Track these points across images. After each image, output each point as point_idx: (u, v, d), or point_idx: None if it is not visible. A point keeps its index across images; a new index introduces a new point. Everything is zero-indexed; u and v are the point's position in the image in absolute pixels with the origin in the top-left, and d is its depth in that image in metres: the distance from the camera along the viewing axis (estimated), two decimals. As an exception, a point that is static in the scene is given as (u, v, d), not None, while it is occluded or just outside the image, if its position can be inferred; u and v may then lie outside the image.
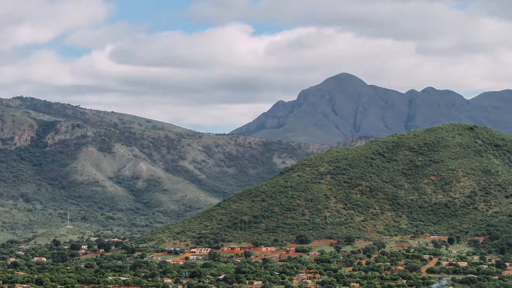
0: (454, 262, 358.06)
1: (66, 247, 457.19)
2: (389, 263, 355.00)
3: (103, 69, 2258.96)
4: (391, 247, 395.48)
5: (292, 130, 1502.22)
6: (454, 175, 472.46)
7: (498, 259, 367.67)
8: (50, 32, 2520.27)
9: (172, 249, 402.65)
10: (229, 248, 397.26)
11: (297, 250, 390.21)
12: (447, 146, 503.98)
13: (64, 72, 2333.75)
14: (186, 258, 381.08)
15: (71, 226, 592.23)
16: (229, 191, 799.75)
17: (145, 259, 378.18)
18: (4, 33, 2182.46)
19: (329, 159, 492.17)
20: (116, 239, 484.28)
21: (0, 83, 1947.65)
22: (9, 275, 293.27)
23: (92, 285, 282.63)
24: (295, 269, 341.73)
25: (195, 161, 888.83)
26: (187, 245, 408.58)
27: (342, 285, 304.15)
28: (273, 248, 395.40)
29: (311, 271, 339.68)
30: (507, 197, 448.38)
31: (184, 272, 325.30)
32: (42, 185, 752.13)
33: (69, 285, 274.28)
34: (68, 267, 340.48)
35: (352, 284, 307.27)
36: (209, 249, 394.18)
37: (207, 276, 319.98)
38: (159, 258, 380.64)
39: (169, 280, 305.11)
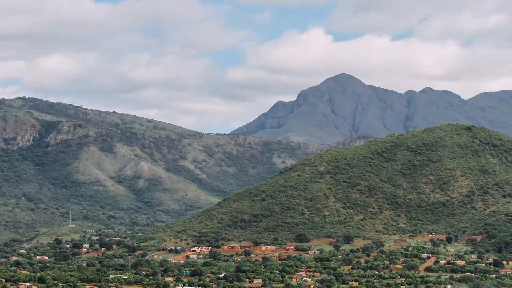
0: (452, 261, 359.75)
1: (68, 246, 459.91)
2: (387, 262, 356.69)
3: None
4: (389, 246, 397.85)
5: (291, 130, 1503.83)
6: (452, 175, 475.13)
7: (496, 257, 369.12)
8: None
9: (173, 247, 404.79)
10: (230, 247, 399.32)
11: (296, 249, 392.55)
12: (445, 146, 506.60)
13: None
14: (187, 256, 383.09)
15: (73, 225, 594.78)
16: (229, 190, 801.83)
17: (146, 257, 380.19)
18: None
19: (328, 159, 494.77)
20: (117, 238, 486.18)
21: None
22: (12, 273, 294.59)
23: (93, 284, 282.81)
24: (294, 267, 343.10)
25: (196, 161, 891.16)
26: (188, 244, 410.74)
27: (341, 284, 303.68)
28: (273, 247, 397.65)
29: (310, 269, 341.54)
30: (504, 196, 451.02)
31: (185, 270, 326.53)
32: (44, 184, 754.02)
33: (71, 284, 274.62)
34: (70, 266, 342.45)
35: (351, 282, 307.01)
36: (210, 247, 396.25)
37: (208, 274, 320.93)
38: (160, 257, 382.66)
39: (170, 279, 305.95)
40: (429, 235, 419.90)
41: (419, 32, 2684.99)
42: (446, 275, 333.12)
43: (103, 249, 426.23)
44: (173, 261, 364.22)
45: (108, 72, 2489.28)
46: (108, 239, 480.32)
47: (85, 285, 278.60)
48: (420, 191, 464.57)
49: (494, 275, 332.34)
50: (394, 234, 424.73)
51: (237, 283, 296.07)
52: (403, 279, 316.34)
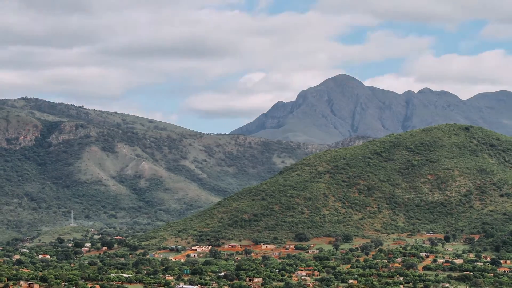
0: (450, 260, 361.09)
1: (70, 244, 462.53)
2: (386, 261, 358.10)
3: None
4: (388, 245, 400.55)
5: (291, 130, 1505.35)
6: (450, 174, 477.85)
7: (493, 256, 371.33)
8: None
9: (174, 246, 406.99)
10: (230, 246, 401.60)
11: (296, 248, 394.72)
12: (443, 146, 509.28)
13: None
14: (188, 255, 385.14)
15: (75, 224, 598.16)
16: (229, 190, 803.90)
17: (147, 256, 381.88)
18: None
19: (327, 159, 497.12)
20: (119, 237, 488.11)
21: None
22: (14, 272, 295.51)
23: (95, 282, 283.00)
24: (294, 266, 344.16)
25: (196, 161, 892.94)
26: (189, 243, 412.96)
27: (340, 282, 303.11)
28: (273, 246, 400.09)
29: (310, 268, 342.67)
30: (502, 196, 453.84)
31: (186, 269, 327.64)
32: (46, 184, 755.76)
33: (73, 282, 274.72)
34: (72, 265, 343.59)
35: (350, 281, 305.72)
36: (210, 246, 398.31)
37: (208, 273, 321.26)
38: (161, 256, 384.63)
39: (171, 277, 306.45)
40: (428, 234, 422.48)
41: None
42: (444, 273, 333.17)
43: (104, 248, 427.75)
44: (174, 260, 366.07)
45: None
46: (110, 238, 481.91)
47: (86, 283, 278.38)
48: (419, 190, 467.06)
49: (491, 274, 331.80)
50: (393, 233, 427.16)
51: (237, 281, 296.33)
52: (402, 277, 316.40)
